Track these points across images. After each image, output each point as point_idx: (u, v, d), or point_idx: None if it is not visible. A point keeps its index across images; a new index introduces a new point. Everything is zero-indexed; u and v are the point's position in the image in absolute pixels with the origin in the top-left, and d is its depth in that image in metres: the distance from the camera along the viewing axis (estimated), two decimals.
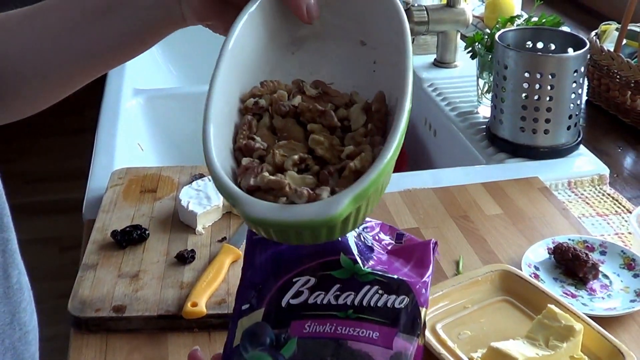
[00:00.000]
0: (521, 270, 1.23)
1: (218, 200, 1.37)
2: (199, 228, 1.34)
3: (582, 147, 1.68)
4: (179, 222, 1.36)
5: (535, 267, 1.26)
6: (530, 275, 1.22)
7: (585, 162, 1.63)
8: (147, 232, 1.32)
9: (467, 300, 1.18)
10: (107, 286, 1.20)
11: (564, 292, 1.21)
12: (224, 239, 1.32)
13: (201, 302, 1.14)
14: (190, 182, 1.46)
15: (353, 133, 0.74)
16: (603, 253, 1.30)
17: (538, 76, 1.58)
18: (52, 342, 2.06)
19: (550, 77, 1.58)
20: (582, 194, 1.55)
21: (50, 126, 4.45)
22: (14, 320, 0.92)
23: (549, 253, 1.29)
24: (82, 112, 3.51)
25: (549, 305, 1.09)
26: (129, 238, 1.30)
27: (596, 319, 1.12)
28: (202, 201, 1.36)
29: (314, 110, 0.75)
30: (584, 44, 1.61)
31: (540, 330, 1.06)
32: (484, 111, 1.85)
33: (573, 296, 1.21)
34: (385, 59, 0.81)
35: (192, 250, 1.27)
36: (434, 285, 1.19)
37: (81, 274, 1.23)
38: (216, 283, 1.19)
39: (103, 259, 1.27)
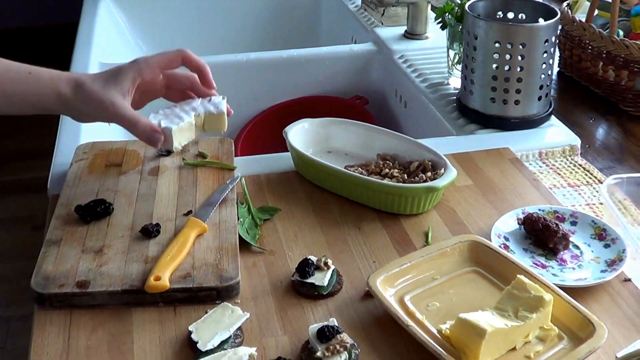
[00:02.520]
0: (491, 241, 1.21)
1: (190, 117, 1.33)
2: (176, 144, 1.30)
3: (553, 117, 1.66)
4: (144, 195, 1.34)
5: (505, 237, 1.25)
6: (500, 246, 1.21)
7: (556, 133, 1.62)
8: (111, 206, 1.29)
9: (435, 272, 1.17)
10: (70, 261, 1.18)
11: (534, 263, 1.20)
12: (189, 212, 1.29)
13: (164, 276, 1.12)
14: (157, 156, 1.44)
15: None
16: (574, 223, 1.29)
17: (508, 46, 1.57)
18: (24, 322, 2.04)
19: (520, 47, 1.56)
20: (553, 165, 1.54)
21: None
22: None
23: (518, 223, 1.28)
24: None
25: (518, 275, 1.08)
26: (93, 213, 1.27)
27: (567, 289, 1.11)
28: (174, 120, 1.32)
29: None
30: (555, 14, 1.59)
31: (510, 301, 1.05)
32: (455, 82, 1.84)
33: (543, 267, 1.20)
34: None
35: (157, 224, 1.24)
36: (403, 256, 1.18)
37: (44, 250, 1.20)
38: (181, 257, 1.16)
39: (67, 234, 1.24)
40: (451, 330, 1.03)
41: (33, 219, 3.58)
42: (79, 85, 1.24)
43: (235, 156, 1.48)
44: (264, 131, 2.05)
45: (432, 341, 1.02)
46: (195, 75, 1.37)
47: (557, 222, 1.25)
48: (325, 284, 1.14)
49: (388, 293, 1.11)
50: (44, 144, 2.92)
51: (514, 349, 1.03)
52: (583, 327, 1.05)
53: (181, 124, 1.30)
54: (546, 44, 1.57)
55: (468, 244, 1.20)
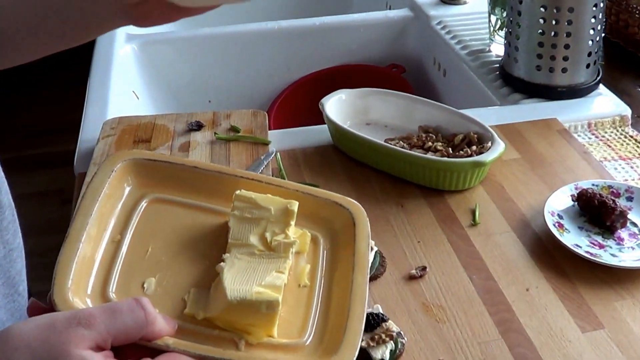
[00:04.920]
0: (544, 219, 1.14)
1: None
2: None
3: (601, 86, 1.58)
4: None
5: (559, 215, 1.17)
6: (554, 225, 1.13)
7: (605, 103, 1.54)
8: None
9: (111, 230, 0.89)
10: None
11: (590, 242, 1.13)
12: None
13: None
14: (188, 131, 1.38)
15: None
16: (630, 199, 1.22)
17: (555, 11, 1.48)
18: None
19: (568, 12, 1.48)
20: (604, 136, 1.46)
21: (51, 79, 4.37)
22: None
23: (572, 200, 1.20)
24: (83, 64, 3.45)
25: (237, 192, 0.89)
26: None
27: (627, 270, 1.05)
28: None
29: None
30: None
31: (245, 228, 0.87)
32: (497, 49, 1.75)
33: (601, 246, 1.12)
34: None
35: None
36: (446, 234, 1.11)
37: None
38: None
39: None
40: (217, 317, 0.80)
41: (62, 192, 3.55)
42: None
43: (269, 129, 1.42)
44: (297, 102, 1.98)
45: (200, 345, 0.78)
46: None
47: (613, 198, 1.18)
48: None
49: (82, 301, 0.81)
50: (70, 119, 2.88)
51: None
52: (335, 215, 0.93)
53: None
54: (595, 8, 1.49)
55: (123, 167, 0.93)
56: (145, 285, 0.84)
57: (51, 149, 3.93)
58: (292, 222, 0.89)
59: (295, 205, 0.91)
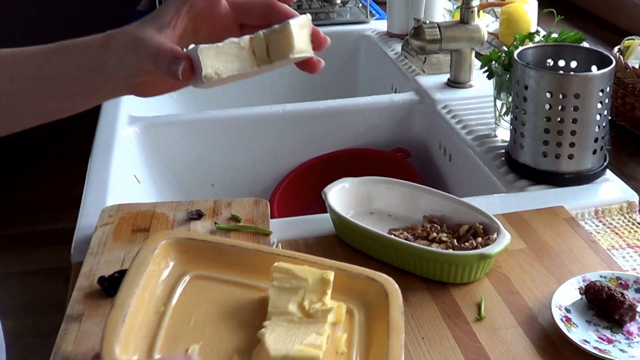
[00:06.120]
0: (551, 313, 1.11)
1: (238, 39, 0.93)
2: (208, 71, 0.90)
3: (608, 171, 1.56)
4: None
5: (566, 309, 1.14)
6: (562, 319, 1.10)
7: (612, 189, 1.52)
8: None
9: (155, 304, 0.98)
10: (92, 340, 1.08)
11: (599, 337, 1.09)
12: None
13: None
14: (187, 220, 1.35)
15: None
16: (638, 290, 1.19)
17: (561, 97, 1.47)
18: None
19: (574, 97, 1.46)
20: (611, 224, 1.43)
21: (57, 153, 4.38)
22: None
23: (580, 293, 1.17)
24: (87, 137, 3.46)
25: (275, 264, 0.97)
26: (117, 285, 1.17)
27: None
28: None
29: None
30: (610, 62, 1.50)
31: (284, 298, 0.94)
32: (503, 134, 1.74)
33: (609, 341, 1.09)
34: None
35: None
36: (451, 329, 1.07)
37: (64, 327, 1.12)
38: None
39: (89, 309, 1.15)
40: None
41: (66, 271, 3.52)
42: (110, 35, 0.95)
43: (272, 216, 1.40)
44: (302, 187, 1.96)
45: None
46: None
47: (622, 290, 1.15)
48: None
49: None
50: (77, 194, 2.89)
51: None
52: (368, 287, 1.01)
53: (219, 45, 0.91)
54: (601, 94, 1.47)
55: (165, 245, 1.02)
56: (189, 351, 0.91)
57: (55, 226, 3.93)
58: (329, 291, 0.96)
59: (331, 275, 0.98)
